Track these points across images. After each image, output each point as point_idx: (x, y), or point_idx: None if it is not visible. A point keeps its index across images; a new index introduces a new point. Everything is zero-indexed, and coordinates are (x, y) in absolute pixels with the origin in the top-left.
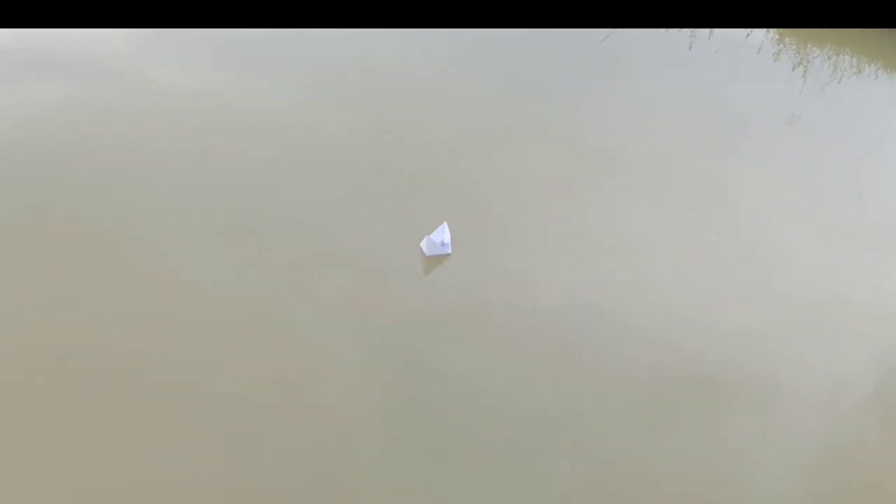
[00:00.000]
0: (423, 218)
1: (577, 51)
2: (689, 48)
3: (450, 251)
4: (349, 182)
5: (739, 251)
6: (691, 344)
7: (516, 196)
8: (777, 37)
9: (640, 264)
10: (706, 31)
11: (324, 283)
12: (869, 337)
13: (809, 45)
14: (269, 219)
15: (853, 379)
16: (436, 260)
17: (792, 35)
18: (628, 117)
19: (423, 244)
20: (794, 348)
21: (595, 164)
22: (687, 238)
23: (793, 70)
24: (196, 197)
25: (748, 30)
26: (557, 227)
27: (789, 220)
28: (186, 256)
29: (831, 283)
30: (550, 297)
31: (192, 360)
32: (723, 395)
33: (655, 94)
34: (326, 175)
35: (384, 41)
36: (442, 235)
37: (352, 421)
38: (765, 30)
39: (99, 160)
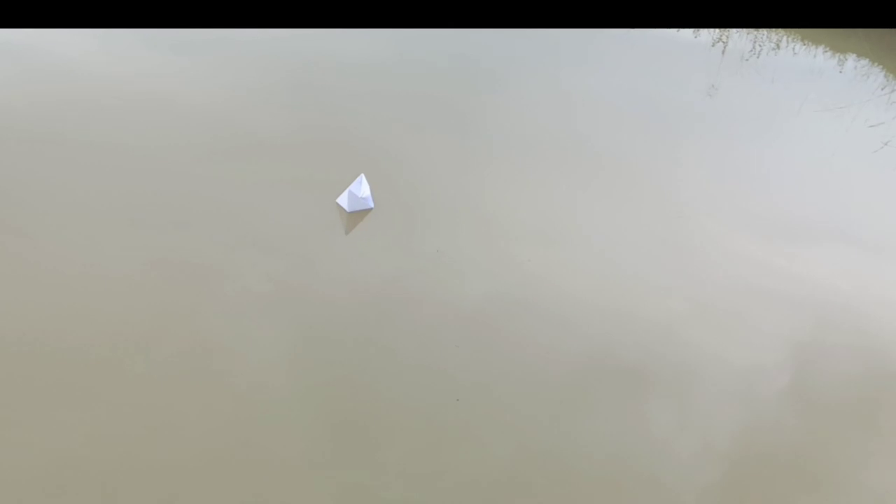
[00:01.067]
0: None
1: (500, 46)
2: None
3: (372, 205)
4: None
5: (658, 239)
6: (609, 332)
7: (438, 181)
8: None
9: (559, 252)
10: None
11: (246, 268)
12: (785, 325)
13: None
14: (187, 209)
15: (769, 367)
16: (358, 217)
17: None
18: (548, 104)
19: (344, 199)
20: (711, 337)
21: (515, 152)
22: (607, 226)
23: (712, 46)
24: (110, 187)
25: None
26: (475, 213)
27: (707, 207)
28: (99, 245)
29: (747, 272)
30: (470, 284)
31: (111, 348)
32: (640, 383)
33: (575, 82)
34: (245, 164)
35: (329, 40)
36: (361, 188)
37: (274, 403)
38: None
39: (15, 150)
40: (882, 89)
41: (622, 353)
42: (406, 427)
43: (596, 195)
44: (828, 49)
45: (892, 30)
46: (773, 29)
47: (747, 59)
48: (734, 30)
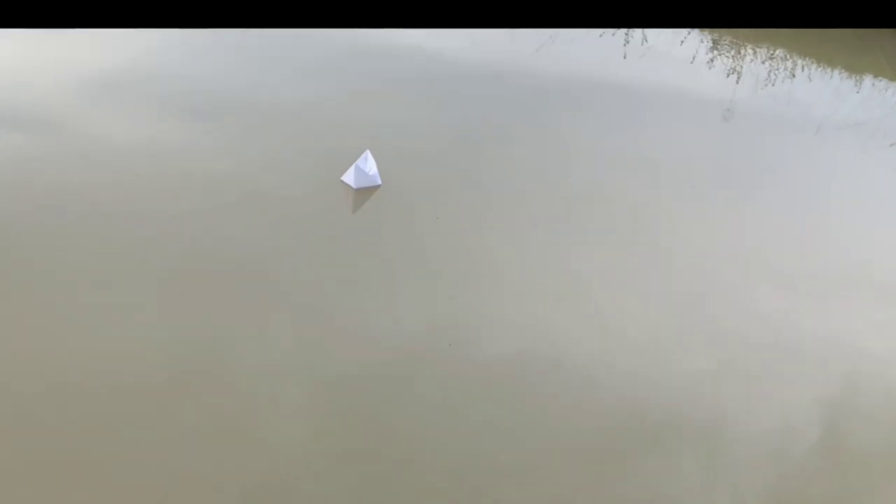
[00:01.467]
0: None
1: (498, 93)
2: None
3: (379, 182)
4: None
5: (682, 293)
6: (637, 390)
7: (457, 242)
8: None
9: (581, 309)
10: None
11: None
12: (814, 381)
13: (744, 49)
14: (206, 263)
15: (799, 424)
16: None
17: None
18: (559, 157)
19: (350, 176)
20: (739, 394)
21: (531, 206)
22: (627, 282)
23: (727, 76)
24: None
25: (682, 38)
26: (500, 272)
27: (730, 259)
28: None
29: (775, 326)
30: (495, 344)
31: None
32: (669, 441)
33: (582, 134)
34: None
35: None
36: (367, 164)
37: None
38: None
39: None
40: None
41: (648, 412)
42: (429, 485)
43: (616, 250)
44: (843, 70)
45: None
46: (789, 55)
47: (763, 88)
48: (748, 63)
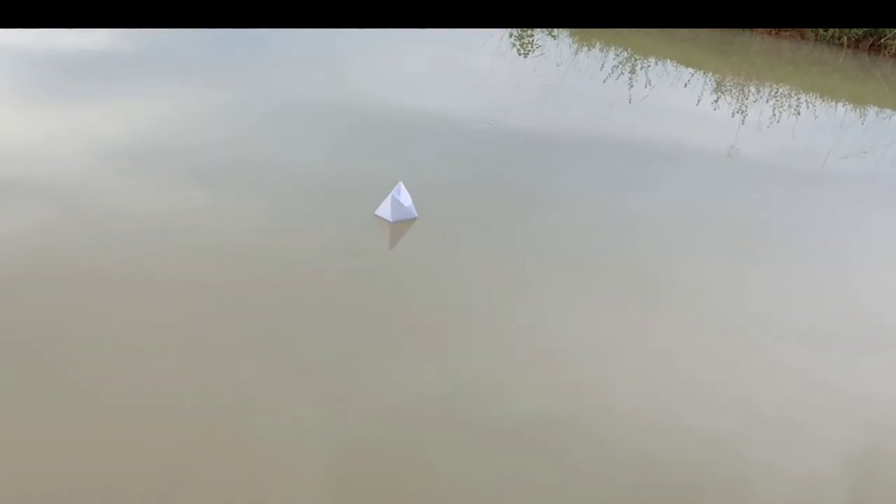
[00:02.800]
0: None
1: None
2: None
3: (416, 214)
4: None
5: (702, 353)
6: (659, 452)
7: (472, 305)
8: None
9: (603, 370)
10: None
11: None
12: (839, 441)
13: (748, 89)
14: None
15: (825, 480)
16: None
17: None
18: (569, 213)
19: (386, 209)
20: (764, 453)
21: (545, 263)
22: (648, 342)
23: (731, 116)
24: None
25: (686, 81)
26: (515, 335)
27: (751, 317)
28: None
29: (797, 385)
30: (515, 409)
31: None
32: (692, 503)
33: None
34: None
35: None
36: (402, 196)
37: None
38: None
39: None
40: None
41: (673, 471)
42: None
43: (636, 308)
44: (847, 101)
45: None
46: (794, 92)
47: (768, 127)
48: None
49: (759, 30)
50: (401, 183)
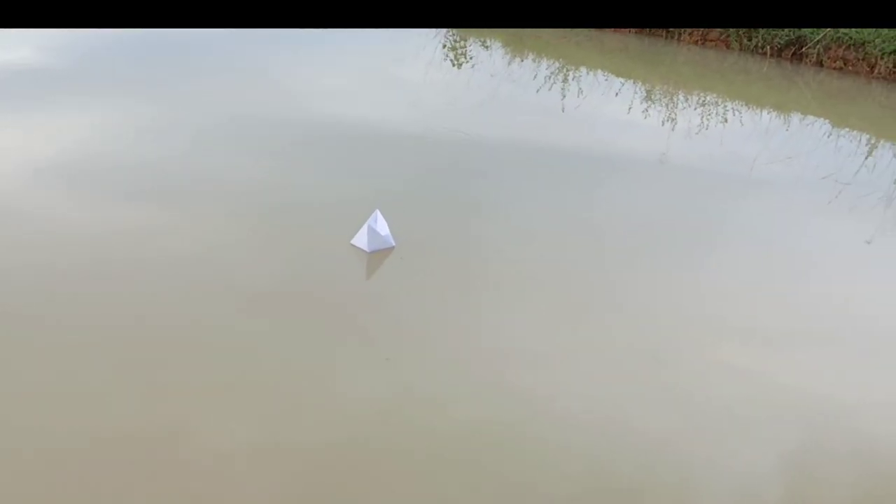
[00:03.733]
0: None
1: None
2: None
3: (393, 243)
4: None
5: (641, 354)
6: (604, 454)
7: (414, 312)
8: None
9: (546, 376)
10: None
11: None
12: (779, 436)
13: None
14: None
15: (765, 475)
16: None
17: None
18: (508, 224)
19: (362, 239)
20: (705, 450)
21: (485, 276)
22: (591, 345)
23: (661, 125)
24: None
25: (616, 91)
26: (458, 342)
27: (688, 318)
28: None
29: (737, 383)
30: (459, 414)
31: None
32: (638, 500)
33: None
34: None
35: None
36: (378, 225)
37: None
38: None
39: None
40: (827, 136)
41: (618, 472)
42: None
43: (577, 313)
44: (772, 110)
45: (833, 73)
46: (721, 100)
47: (697, 133)
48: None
49: (686, 39)
50: (377, 211)
